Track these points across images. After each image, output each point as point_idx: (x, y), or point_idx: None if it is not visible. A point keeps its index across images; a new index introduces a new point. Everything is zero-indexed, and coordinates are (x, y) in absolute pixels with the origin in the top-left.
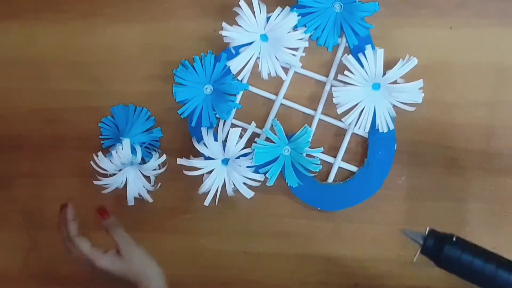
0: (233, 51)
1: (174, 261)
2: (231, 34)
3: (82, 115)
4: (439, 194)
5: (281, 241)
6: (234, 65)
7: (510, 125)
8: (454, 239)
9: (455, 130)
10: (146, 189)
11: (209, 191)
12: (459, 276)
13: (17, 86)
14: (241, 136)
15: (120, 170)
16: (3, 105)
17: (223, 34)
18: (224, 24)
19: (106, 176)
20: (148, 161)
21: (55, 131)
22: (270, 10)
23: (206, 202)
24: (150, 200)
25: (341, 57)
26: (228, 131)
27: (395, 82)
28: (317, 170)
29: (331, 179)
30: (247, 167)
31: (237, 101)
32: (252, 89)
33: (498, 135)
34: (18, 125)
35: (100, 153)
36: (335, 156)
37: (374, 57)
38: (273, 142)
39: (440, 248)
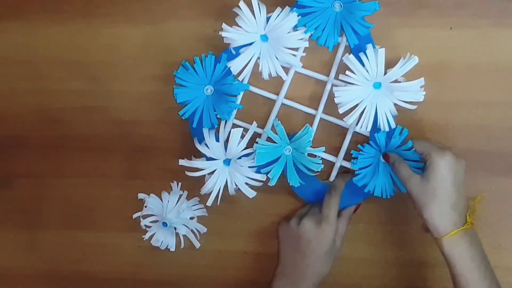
0: (233, 52)
1: (174, 261)
2: (231, 35)
3: (82, 115)
4: None
5: None
6: (235, 65)
7: (510, 125)
8: None
9: (455, 130)
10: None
11: (211, 192)
12: None
13: (17, 86)
14: (242, 137)
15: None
16: (3, 105)
17: (223, 35)
18: (224, 25)
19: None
20: None
21: (55, 131)
22: (270, 11)
23: (209, 203)
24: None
25: (342, 56)
26: (230, 132)
27: (396, 81)
28: (319, 170)
29: (332, 178)
30: (249, 167)
31: (238, 102)
32: (252, 89)
33: (498, 135)
34: (18, 125)
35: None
36: (336, 156)
37: (375, 56)
38: (275, 142)
39: None
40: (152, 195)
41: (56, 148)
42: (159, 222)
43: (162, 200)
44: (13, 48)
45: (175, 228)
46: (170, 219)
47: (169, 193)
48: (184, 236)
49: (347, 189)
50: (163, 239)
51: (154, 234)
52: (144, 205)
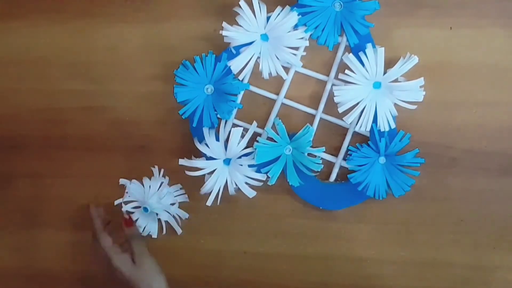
0: (234, 51)
1: (174, 261)
2: (231, 34)
3: (82, 115)
4: (439, 194)
5: (281, 241)
6: (235, 65)
7: (510, 125)
8: None
9: (455, 130)
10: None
11: (211, 191)
12: None
13: (17, 86)
14: (242, 136)
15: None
16: (3, 105)
17: (223, 34)
18: (224, 24)
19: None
20: None
21: (55, 131)
22: (270, 10)
23: (209, 202)
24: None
25: (342, 56)
26: (230, 131)
27: (396, 81)
28: (319, 170)
29: (332, 178)
30: (249, 166)
31: (238, 101)
32: (253, 88)
33: (498, 135)
34: (18, 125)
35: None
36: (336, 155)
37: (375, 56)
38: (275, 142)
39: None
40: (134, 180)
41: (56, 148)
42: (141, 208)
43: (144, 186)
44: (13, 48)
45: (157, 215)
46: (151, 204)
47: (150, 179)
48: (166, 222)
49: (349, 188)
50: (145, 225)
51: (136, 220)
52: (126, 191)
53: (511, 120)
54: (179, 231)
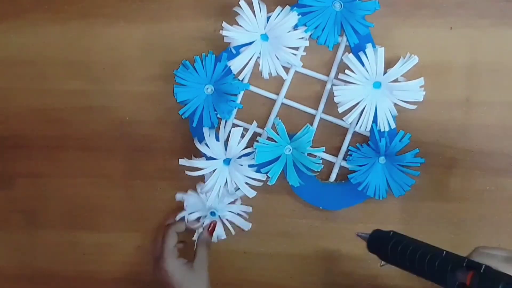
0: (234, 51)
1: None
2: (231, 34)
3: (82, 115)
4: (439, 194)
5: (281, 241)
6: (235, 65)
7: (510, 125)
8: (391, 233)
9: (455, 130)
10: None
11: (211, 191)
12: (402, 268)
13: (17, 86)
14: (242, 136)
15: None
16: (3, 105)
17: (223, 34)
18: (224, 24)
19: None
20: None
21: (55, 131)
22: (270, 10)
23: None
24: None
25: (342, 56)
26: (230, 131)
27: (396, 81)
28: (319, 170)
29: (332, 178)
30: (249, 166)
31: (238, 101)
32: (253, 89)
33: (498, 135)
34: (18, 125)
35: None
36: (336, 155)
37: (375, 56)
38: (275, 141)
39: (381, 243)
40: (189, 192)
41: (56, 148)
42: (201, 217)
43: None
44: (13, 48)
45: (219, 217)
46: (210, 207)
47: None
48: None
49: (349, 188)
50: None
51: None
52: (185, 204)
53: (511, 120)
54: (247, 227)
